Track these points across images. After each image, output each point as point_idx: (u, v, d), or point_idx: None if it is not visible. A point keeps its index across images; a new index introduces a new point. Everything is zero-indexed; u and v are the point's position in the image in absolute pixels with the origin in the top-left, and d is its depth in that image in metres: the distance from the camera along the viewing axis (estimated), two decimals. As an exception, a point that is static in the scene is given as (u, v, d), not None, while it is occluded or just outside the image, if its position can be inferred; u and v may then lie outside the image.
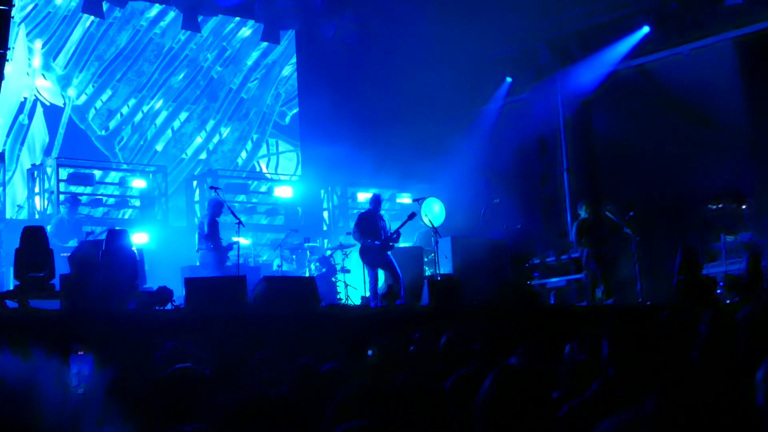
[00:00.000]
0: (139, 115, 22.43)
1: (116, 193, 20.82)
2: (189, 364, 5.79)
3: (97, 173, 20.45)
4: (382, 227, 16.70)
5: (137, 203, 20.65)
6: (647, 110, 21.20)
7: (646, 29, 21.17)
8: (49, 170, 19.22)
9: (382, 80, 21.88)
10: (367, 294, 16.99)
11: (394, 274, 16.23)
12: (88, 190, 20.10)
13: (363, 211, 17.47)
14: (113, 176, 20.84)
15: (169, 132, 22.81)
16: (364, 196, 22.32)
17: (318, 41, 23.75)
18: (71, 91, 21.33)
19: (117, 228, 14.06)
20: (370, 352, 7.68)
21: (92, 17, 21.52)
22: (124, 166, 21.26)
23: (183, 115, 23.05)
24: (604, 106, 22.42)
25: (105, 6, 21.17)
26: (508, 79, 23.92)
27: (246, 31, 24.11)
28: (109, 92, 21.98)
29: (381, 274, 17.29)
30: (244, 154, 23.94)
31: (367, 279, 16.61)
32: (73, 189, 19.43)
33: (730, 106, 20.13)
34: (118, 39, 22.22)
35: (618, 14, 21.69)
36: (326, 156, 22.37)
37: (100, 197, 20.41)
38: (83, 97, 21.60)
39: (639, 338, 4.17)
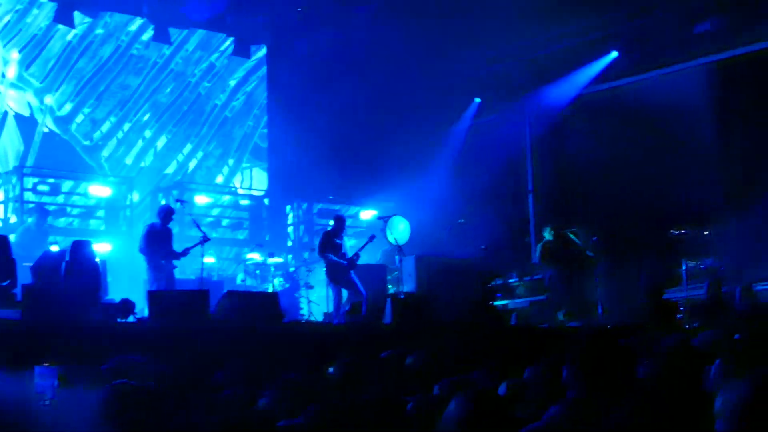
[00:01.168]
0: (126, 127, 22.38)
1: (81, 203, 20.70)
2: (126, 379, 5.77)
3: (68, 183, 20.35)
4: (341, 245, 16.79)
5: (102, 214, 20.55)
6: (616, 133, 21.30)
7: (614, 54, 21.32)
8: (14, 179, 19.11)
9: (351, 98, 21.89)
10: (330, 310, 17.01)
11: (358, 292, 16.25)
12: (54, 199, 19.99)
13: (328, 229, 17.48)
14: (81, 186, 20.72)
15: (154, 147, 22.76)
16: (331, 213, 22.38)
17: (289, 57, 23.73)
18: (48, 99, 21.20)
19: (81, 239, 13.97)
20: (331, 370, 7.67)
21: (74, 30, 21.49)
22: (99, 178, 21.05)
23: (169, 131, 23.02)
24: (573, 128, 22.51)
25: (77, 16, 21.07)
26: (477, 100, 24.01)
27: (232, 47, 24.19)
28: (92, 104, 21.93)
29: (342, 291, 17.33)
30: (225, 170, 23.94)
31: (331, 296, 16.62)
32: (38, 198, 19.32)
33: (698, 132, 20.25)
34: (100, 52, 22.16)
35: (588, 38, 21.83)
36: (293, 171, 22.37)
37: (65, 206, 20.29)
38: (67, 107, 21.51)
39: (600, 361, 4.20)
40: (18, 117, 20.77)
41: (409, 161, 23.04)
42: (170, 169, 22.98)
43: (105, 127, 22.09)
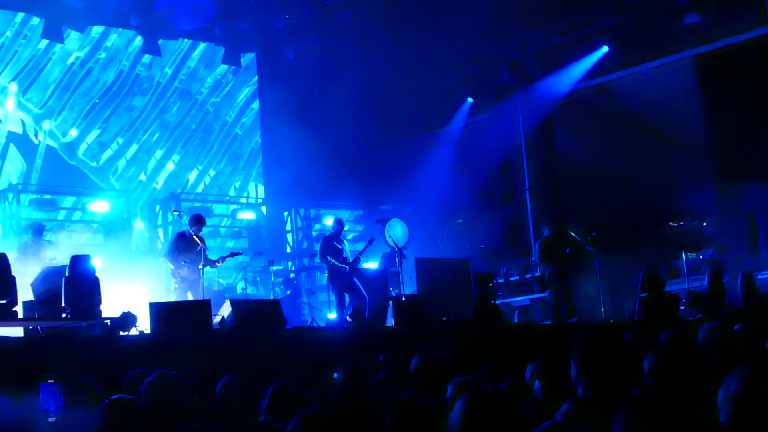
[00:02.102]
0: (134, 148, 22.41)
1: (79, 218, 20.70)
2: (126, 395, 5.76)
3: (66, 199, 20.37)
4: (342, 249, 16.79)
5: (100, 228, 20.54)
6: (608, 129, 21.35)
7: (605, 49, 21.32)
8: (10, 196, 19.11)
9: (343, 102, 21.90)
10: (334, 315, 17.01)
11: (360, 296, 16.24)
12: (52, 215, 19.99)
13: (327, 234, 17.47)
14: (79, 202, 20.72)
15: (165, 166, 22.82)
16: (330, 218, 22.39)
17: (279, 64, 23.74)
18: (46, 125, 21.21)
19: (80, 254, 13.95)
20: (336, 375, 7.68)
21: (75, 54, 21.54)
22: (97, 193, 21.04)
23: (178, 150, 23.10)
24: (565, 125, 22.56)
25: (66, 31, 21.06)
26: (469, 100, 24.02)
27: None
28: (100, 127, 22.02)
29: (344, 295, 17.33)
30: (238, 183, 23.99)
31: (334, 301, 16.61)
32: (35, 215, 19.32)
33: (689, 124, 20.30)
34: (104, 76, 22.18)
35: (576, 34, 21.86)
36: (289, 178, 22.37)
37: (64, 222, 20.29)
38: (72, 133, 21.57)
39: (608, 357, 4.20)
40: (17, 137, 20.74)
41: (404, 163, 23.07)
42: (198, 188, 23.27)
43: (114, 146, 22.10)
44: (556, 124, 22.93)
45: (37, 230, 17.51)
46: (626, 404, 3.19)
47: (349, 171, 21.96)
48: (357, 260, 16.67)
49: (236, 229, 22.83)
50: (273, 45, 23.45)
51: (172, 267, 15.63)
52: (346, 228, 20.15)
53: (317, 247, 17.50)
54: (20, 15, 21.02)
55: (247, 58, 24.28)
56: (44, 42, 21.15)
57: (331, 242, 16.82)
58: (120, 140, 22.19)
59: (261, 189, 24.27)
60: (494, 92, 23.77)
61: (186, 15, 22.03)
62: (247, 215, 22.87)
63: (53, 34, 20.83)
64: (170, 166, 22.94)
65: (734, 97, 19.75)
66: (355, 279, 16.45)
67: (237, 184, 23.92)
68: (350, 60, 22.84)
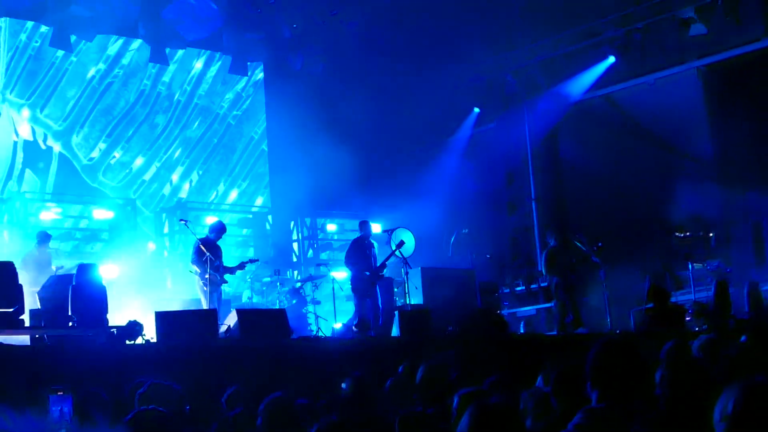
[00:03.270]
0: (156, 166, 22.50)
1: (86, 226, 20.73)
2: (153, 405, 5.78)
3: (73, 207, 20.39)
4: (372, 255, 16.60)
5: (106, 236, 20.57)
6: (614, 139, 21.36)
7: (611, 59, 21.36)
8: (18, 204, 19.15)
9: (349, 111, 21.91)
10: (340, 325, 17.00)
11: (375, 306, 16.14)
12: (59, 223, 20.03)
13: (354, 238, 17.31)
14: (85, 210, 20.74)
15: (188, 181, 22.94)
16: (335, 227, 22.43)
17: (286, 73, 23.76)
18: (57, 146, 21.31)
19: (86, 262, 13.96)
20: (343, 385, 7.69)
21: (92, 70, 21.64)
22: (103, 201, 21.07)
23: (200, 166, 23.25)
24: (571, 134, 22.58)
25: (73, 39, 21.10)
26: (476, 110, 24.05)
27: (259, 74, 24.32)
28: (122, 148, 22.07)
29: (350, 305, 17.30)
30: (260, 200, 24.07)
31: (341, 310, 16.50)
32: (43, 222, 19.36)
33: (695, 134, 20.31)
34: (126, 94, 22.25)
35: (582, 44, 21.91)
36: (295, 187, 22.38)
37: (72, 230, 20.32)
38: (96, 153, 21.62)
39: (622, 368, 4.21)
40: (31, 149, 20.82)
41: (411, 173, 23.07)
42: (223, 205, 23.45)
43: (137, 164, 22.20)
44: (562, 134, 22.96)
45: (43, 238, 17.53)
46: (642, 418, 3.20)
47: (356, 180, 21.92)
48: (383, 266, 16.48)
49: (241, 239, 22.82)
50: (280, 54, 23.47)
51: (199, 272, 15.60)
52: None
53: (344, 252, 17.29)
54: (29, 23, 21.06)
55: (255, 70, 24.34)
56: (59, 53, 21.21)
57: (358, 246, 16.67)
58: (143, 157, 22.26)
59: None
60: (501, 102, 23.81)
61: (193, 24, 22.07)
62: (251, 224, 22.96)
63: (61, 42, 20.86)
64: (192, 181, 23.05)
65: (740, 107, 19.77)
66: (377, 286, 16.29)
67: (260, 201, 24.02)
68: (357, 69, 22.86)
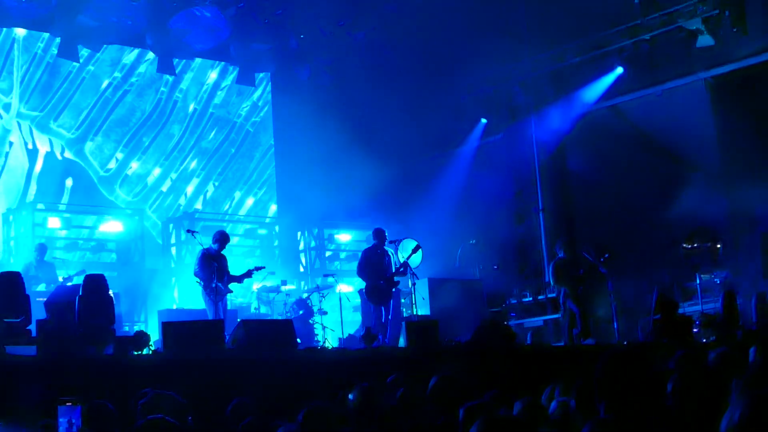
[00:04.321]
0: (172, 177, 22.61)
1: (93, 236, 20.74)
2: (161, 414, 5.77)
3: (80, 218, 20.41)
4: (388, 263, 16.50)
5: (113, 246, 20.59)
6: (621, 150, 21.32)
7: (620, 70, 21.36)
8: (23, 214, 19.19)
9: (357, 121, 21.92)
10: (344, 336, 16.98)
11: (387, 316, 16.09)
12: (66, 234, 20.04)
13: (367, 247, 17.24)
14: (92, 220, 20.74)
15: (204, 193, 23.06)
16: (343, 237, 22.44)
17: (293, 83, 23.80)
18: (86, 147, 21.42)
19: (94, 272, 13.96)
20: (351, 396, 7.66)
21: (106, 81, 21.73)
22: (111, 212, 21.09)
23: (217, 177, 23.37)
24: (579, 146, 22.56)
25: (81, 50, 21.13)
26: (483, 121, 24.04)
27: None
28: (138, 159, 22.21)
29: (357, 315, 17.26)
30: (274, 207, 24.16)
31: (349, 321, 16.43)
32: (47, 233, 19.38)
33: (703, 146, 20.28)
34: (141, 104, 22.35)
35: (590, 55, 21.91)
36: (302, 197, 22.39)
37: (78, 240, 20.33)
38: (113, 164, 21.74)
39: (631, 379, 4.19)
40: (46, 157, 20.87)
41: (418, 183, 23.07)
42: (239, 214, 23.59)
43: (153, 176, 22.27)
44: (570, 145, 22.94)
45: (40, 251, 17.55)
46: (652, 429, 3.19)
47: (363, 190, 21.91)
48: (404, 266, 16.38)
49: (247, 249, 22.82)
50: (287, 64, 23.51)
51: (203, 282, 15.58)
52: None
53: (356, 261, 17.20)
54: (45, 35, 21.12)
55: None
56: (76, 64, 21.28)
57: (370, 256, 16.60)
58: (160, 169, 22.37)
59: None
60: (508, 113, 23.81)
61: (200, 34, 22.11)
62: (261, 233, 22.97)
63: (69, 53, 20.89)
64: (207, 192, 23.15)
65: (747, 119, 19.74)
66: (393, 294, 16.21)
67: (274, 208, 24.05)
68: (364, 80, 22.86)
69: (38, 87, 21.04)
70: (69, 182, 20.99)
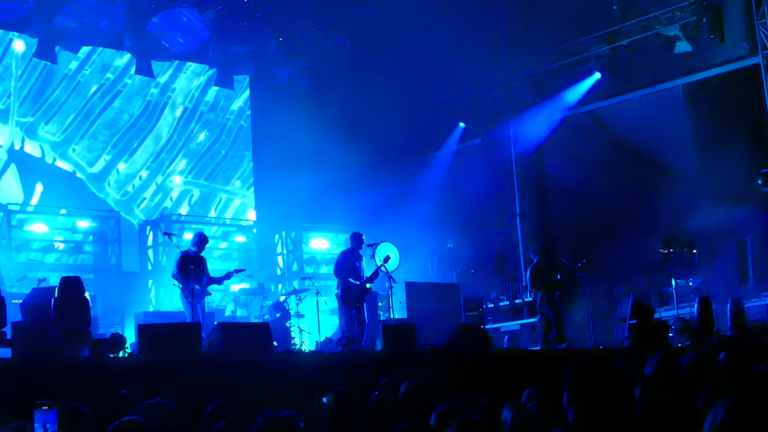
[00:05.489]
0: (159, 178, 22.63)
1: (69, 237, 20.64)
2: (137, 416, 5.75)
3: (55, 219, 20.32)
4: (360, 267, 16.50)
5: (90, 248, 20.48)
6: (599, 155, 21.41)
7: (597, 75, 21.46)
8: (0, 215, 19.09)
9: (335, 125, 21.92)
10: (321, 339, 16.95)
11: (361, 320, 16.07)
12: (43, 235, 19.94)
13: (344, 249, 17.23)
14: (68, 221, 20.64)
15: (190, 193, 23.06)
16: (320, 241, 22.42)
17: (271, 86, 23.79)
18: (59, 162, 21.32)
19: (70, 275, 13.90)
20: (325, 400, 7.65)
21: (95, 85, 21.77)
22: (86, 212, 21.02)
23: (204, 176, 23.36)
24: (557, 151, 22.63)
25: (58, 50, 21.07)
26: (462, 125, 24.09)
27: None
28: (126, 160, 22.21)
29: (333, 319, 17.24)
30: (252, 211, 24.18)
31: (343, 321, 16.32)
32: (25, 235, 19.30)
33: (680, 151, 20.38)
34: (129, 108, 22.34)
35: (568, 60, 22.00)
36: (280, 201, 22.37)
37: (53, 242, 20.22)
38: (99, 164, 21.76)
39: (599, 385, 4.20)
40: (27, 161, 20.83)
41: (396, 187, 23.06)
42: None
43: (141, 176, 22.32)
44: (548, 150, 23.01)
45: None
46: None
47: (341, 194, 21.91)
48: (371, 279, 16.36)
49: (224, 251, 22.77)
50: (266, 68, 23.50)
51: (181, 285, 15.49)
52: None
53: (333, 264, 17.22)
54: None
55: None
56: (72, 66, 21.27)
57: (347, 259, 16.59)
58: (146, 171, 22.42)
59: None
60: (486, 117, 23.87)
61: (179, 37, 22.10)
62: (239, 238, 22.90)
63: (46, 54, 20.83)
64: (194, 195, 23.18)
65: (724, 125, 19.85)
66: (364, 300, 16.21)
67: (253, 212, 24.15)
68: (343, 83, 22.88)
69: (32, 92, 21.01)
70: (39, 187, 20.90)
